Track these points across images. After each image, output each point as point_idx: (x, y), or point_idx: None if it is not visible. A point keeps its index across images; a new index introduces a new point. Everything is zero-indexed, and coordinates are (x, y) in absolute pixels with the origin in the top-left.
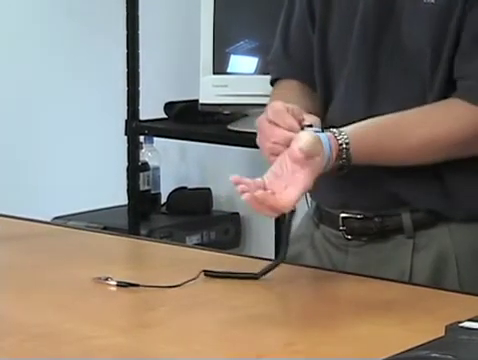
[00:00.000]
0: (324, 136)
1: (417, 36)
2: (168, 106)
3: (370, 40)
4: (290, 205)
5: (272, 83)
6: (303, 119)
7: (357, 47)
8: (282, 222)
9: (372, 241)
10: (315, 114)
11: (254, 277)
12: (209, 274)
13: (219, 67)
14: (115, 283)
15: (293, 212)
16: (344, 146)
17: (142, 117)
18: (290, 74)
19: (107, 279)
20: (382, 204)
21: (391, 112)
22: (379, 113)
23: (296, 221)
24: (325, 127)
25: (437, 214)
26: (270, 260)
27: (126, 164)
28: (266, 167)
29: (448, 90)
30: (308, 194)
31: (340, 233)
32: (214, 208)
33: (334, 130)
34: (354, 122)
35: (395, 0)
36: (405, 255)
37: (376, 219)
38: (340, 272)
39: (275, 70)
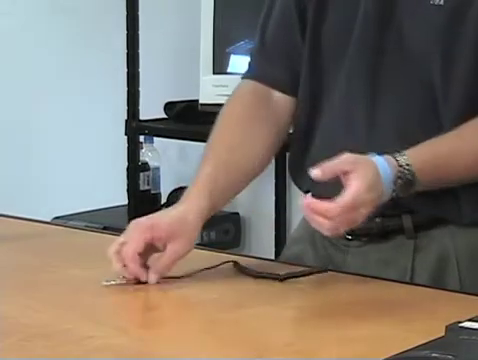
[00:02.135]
0: (379, 157)
1: (422, 39)
2: (168, 106)
3: (371, 41)
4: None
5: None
6: None
7: (357, 48)
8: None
9: (373, 241)
10: (280, 120)
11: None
12: (238, 268)
13: (219, 67)
14: (125, 281)
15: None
16: (405, 166)
17: (142, 117)
18: (258, 75)
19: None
20: (383, 206)
21: (394, 115)
22: (381, 116)
23: (296, 221)
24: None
25: (438, 217)
26: (270, 260)
27: (126, 164)
28: (267, 167)
29: (468, 103)
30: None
31: None
32: None
33: (395, 152)
34: (356, 124)
35: (397, 0)
36: (406, 256)
37: (377, 220)
38: (340, 272)
39: (248, 68)
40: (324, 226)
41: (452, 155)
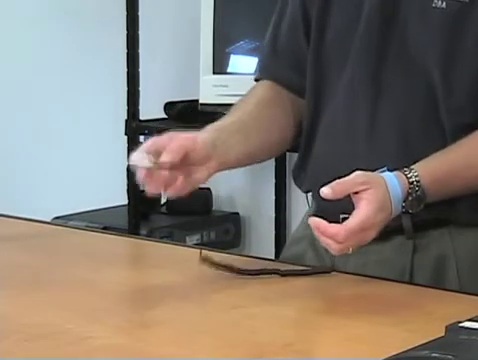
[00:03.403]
0: (389, 174)
1: (424, 41)
2: (168, 106)
3: (374, 43)
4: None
5: (256, 80)
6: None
7: (360, 50)
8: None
9: (372, 242)
10: (292, 119)
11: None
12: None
13: (219, 67)
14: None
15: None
16: (415, 183)
17: (142, 117)
18: (273, 75)
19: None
20: None
21: (395, 115)
22: (383, 116)
23: (296, 221)
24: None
25: (437, 217)
26: (270, 260)
27: (126, 164)
28: (267, 167)
29: (470, 105)
30: (309, 194)
31: None
32: (214, 208)
33: (405, 168)
34: (357, 124)
35: (401, 3)
36: (405, 256)
37: None
38: (340, 272)
39: (259, 69)
40: (332, 247)
41: (462, 168)
